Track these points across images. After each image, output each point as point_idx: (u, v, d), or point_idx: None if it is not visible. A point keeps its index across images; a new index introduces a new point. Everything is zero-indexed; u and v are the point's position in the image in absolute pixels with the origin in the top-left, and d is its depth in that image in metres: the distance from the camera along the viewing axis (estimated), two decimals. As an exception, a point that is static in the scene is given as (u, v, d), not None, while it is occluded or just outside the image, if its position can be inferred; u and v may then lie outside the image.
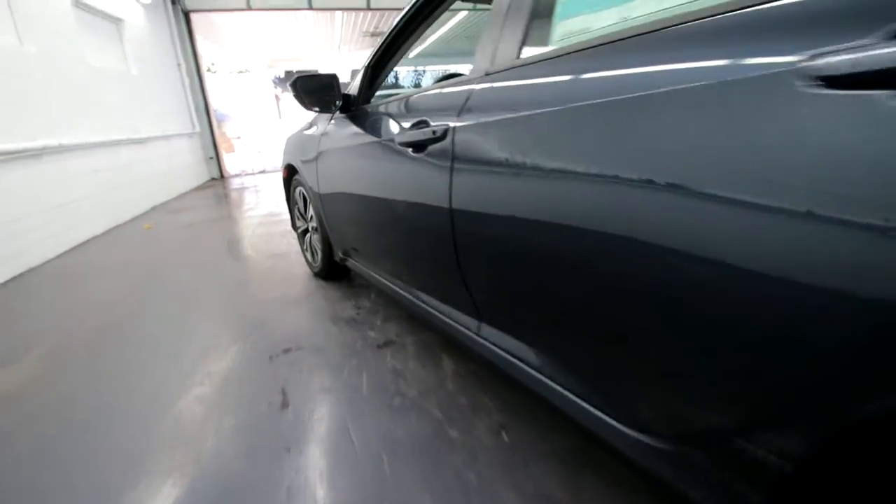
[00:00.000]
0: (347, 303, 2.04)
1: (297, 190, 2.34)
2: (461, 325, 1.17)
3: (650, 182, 0.57)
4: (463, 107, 0.96)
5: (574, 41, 0.80)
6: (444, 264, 1.11)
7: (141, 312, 2.10)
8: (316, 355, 1.60)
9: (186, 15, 6.45)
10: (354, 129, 1.57)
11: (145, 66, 5.26)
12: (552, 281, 0.80)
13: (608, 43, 0.70)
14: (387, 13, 8.12)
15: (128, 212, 4.33)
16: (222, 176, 7.01)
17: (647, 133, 0.58)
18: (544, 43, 0.94)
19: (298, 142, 2.19)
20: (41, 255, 3.06)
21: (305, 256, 2.50)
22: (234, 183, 6.55)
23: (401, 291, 1.46)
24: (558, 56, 0.79)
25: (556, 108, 0.74)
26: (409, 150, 1.15)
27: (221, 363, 1.58)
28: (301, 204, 2.35)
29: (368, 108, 1.55)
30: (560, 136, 0.73)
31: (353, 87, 1.66)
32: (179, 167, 5.82)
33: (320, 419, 1.26)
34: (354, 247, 1.80)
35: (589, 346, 0.80)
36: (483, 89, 0.94)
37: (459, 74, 1.72)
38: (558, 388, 0.89)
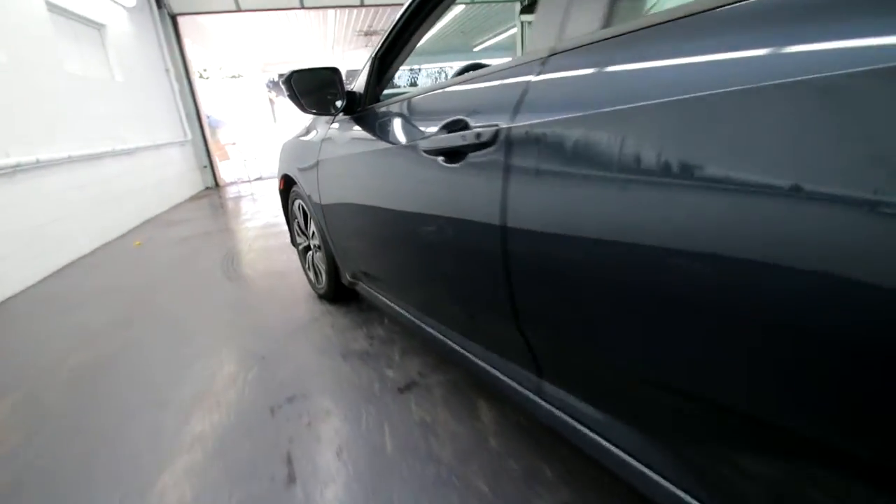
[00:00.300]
0: (358, 331, 1.79)
1: (296, 203, 2.09)
2: (513, 379, 0.92)
3: (835, 199, 0.37)
4: (520, 102, 0.71)
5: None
6: (489, 301, 0.87)
7: (127, 347, 1.85)
8: (325, 404, 1.35)
9: (173, 18, 6.19)
10: (362, 133, 1.32)
11: (131, 72, 5.00)
12: (661, 331, 0.55)
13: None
14: (381, 10, 7.86)
15: (117, 228, 4.07)
16: (217, 185, 6.75)
17: (828, 134, 0.38)
18: (641, 7, 0.69)
19: (295, 149, 1.94)
20: (21, 282, 2.81)
21: (308, 276, 2.25)
22: (230, 191, 6.29)
23: (427, 329, 1.20)
24: (667, 22, 0.54)
25: (666, 100, 0.49)
26: (439, 158, 0.90)
27: (215, 416, 1.33)
28: (301, 218, 2.10)
29: (378, 108, 1.29)
30: (675, 135, 0.49)
31: (359, 84, 1.40)
32: (171, 177, 5.56)
33: (335, 499, 1.01)
34: (366, 271, 1.54)
35: (724, 432, 0.56)
36: (549, 79, 0.69)
37: (483, 65, 1.48)
38: (663, 482, 0.65)
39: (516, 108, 0.71)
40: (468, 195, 0.82)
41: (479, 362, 1.00)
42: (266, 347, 1.73)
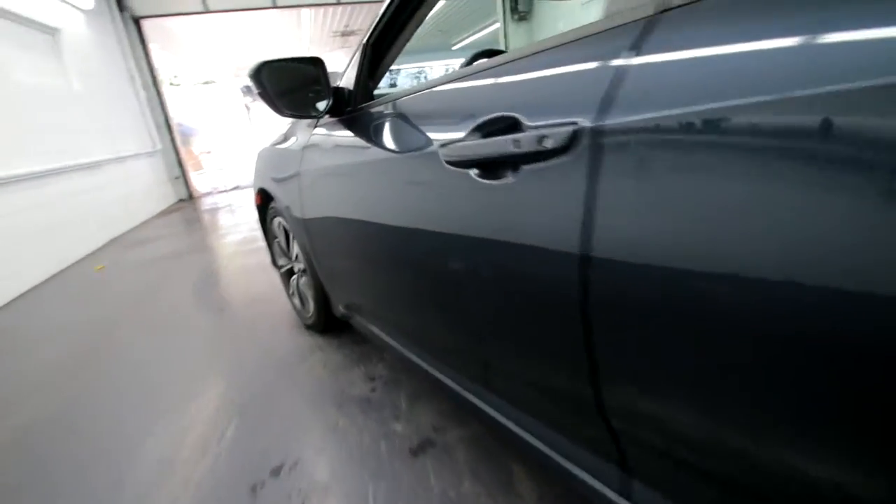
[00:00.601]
0: (355, 370, 1.53)
1: (276, 220, 1.82)
2: (583, 467, 0.67)
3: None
4: (612, 90, 0.46)
5: None
6: (552, 361, 0.62)
7: (78, 404, 1.55)
8: (321, 475, 1.09)
9: (137, 22, 5.81)
10: (354, 139, 1.06)
11: (91, 80, 4.63)
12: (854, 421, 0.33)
13: None
14: (358, 8, 7.57)
15: (77, 251, 3.71)
16: (191, 196, 6.37)
17: None
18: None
19: (272, 159, 1.67)
20: (-38, 320, 2.46)
21: (293, 303, 1.97)
22: (206, 203, 5.93)
23: (452, 386, 0.94)
24: None
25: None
26: (471, 170, 0.65)
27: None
28: (282, 237, 1.83)
29: (373, 107, 1.04)
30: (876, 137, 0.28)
31: (347, 80, 1.15)
32: (140, 191, 5.19)
33: None
34: (364, 304, 1.28)
35: None
36: (657, 54, 0.44)
37: (500, 51, 1.23)
38: None
39: (606, 100, 0.47)
40: (523, 217, 0.57)
41: (531, 439, 0.75)
42: (246, 396, 1.45)
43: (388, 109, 0.97)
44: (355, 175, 1.04)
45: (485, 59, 0.73)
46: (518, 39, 6.94)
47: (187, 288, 2.62)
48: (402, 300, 1.06)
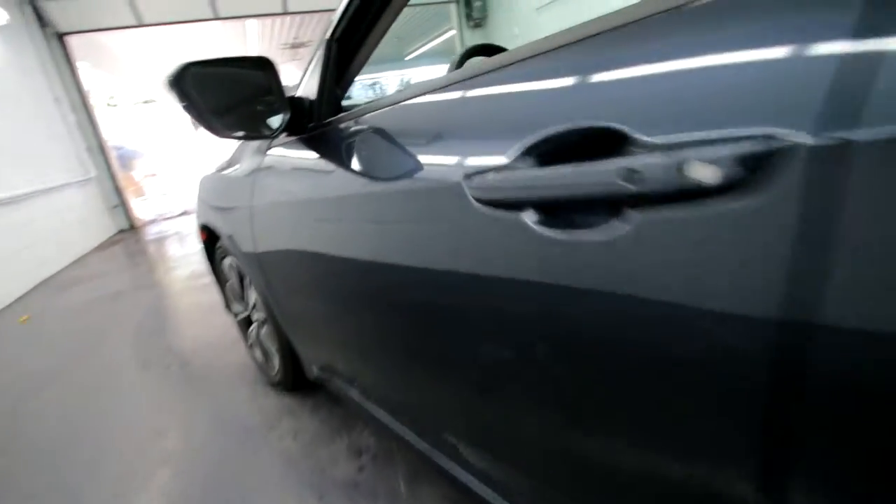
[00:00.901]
0: (337, 443, 1.25)
1: (227, 260, 1.52)
2: None
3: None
4: (847, 82, 0.24)
5: None
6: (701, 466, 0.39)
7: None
8: None
9: (61, 38, 5.27)
10: (323, 162, 0.81)
11: (4, 103, 4.11)
12: None
13: None
14: (308, 18, 7.25)
15: (-3, 298, 3.22)
16: (132, 226, 5.82)
17: None
18: None
19: (217, 189, 1.38)
20: None
21: (253, 356, 1.66)
22: (150, 232, 5.42)
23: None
24: None
25: None
26: (525, 214, 0.41)
27: None
28: (235, 280, 1.53)
29: (344, 121, 0.79)
30: None
31: (307, 88, 0.89)
32: (72, 224, 4.66)
33: None
34: (344, 367, 1.02)
35: None
36: None
37: (499, 48, 1.01)
38: None
39: (839, 96, 0.24)
40: (636, 290, 0.34)
41: None
42: (197, 489, 1.15)
43: (367, 124, 0.72)
44: (325, 210, 0.79)
45: (501, 55, 0.49)
46: (475, 46, 6.83)
47: (127, 336, 2.25)
48: (399, 369, 0.81)
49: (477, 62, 0.58)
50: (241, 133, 0.81)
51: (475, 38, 6.84)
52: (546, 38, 0.45)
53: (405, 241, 0.60)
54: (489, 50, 1.10)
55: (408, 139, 0.62)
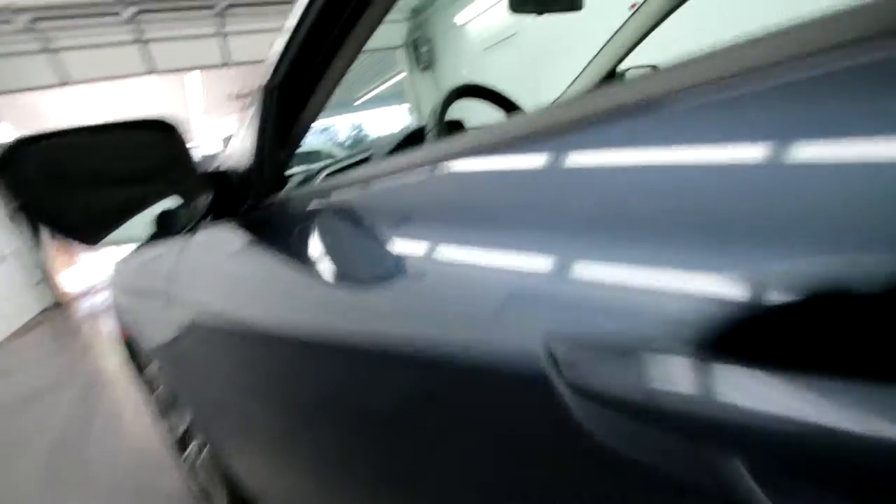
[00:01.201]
0: None
1: (153, 365, 1.19)
2: None
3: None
4: None
5: None
6: None
7: None
8: None
9: (-26, 100, 4.79)
10: (271, 262, 0.53)
11: None
12: None
13: None
14: (255, 69, 7.03)
15: None
16: (58, 304, 5.19)
17: None
18: None
19: (134, 281, 1.07)
20: None
21: (190, 489, 1.30)
22: (82, 308, 4.85)
23: None
24: None
25: None
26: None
27: None
28: (164, 389, 1.20)
29: (295, 202, 0.53)
30: None
31: (238, 156, 0.63)
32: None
33: None
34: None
35: None
36: None
37: (488, 89, 0.82)
38: None
39: None
40: None
41: None
42: None
43: (332, 207, 0.46)
44: (272, 335, 0.52)
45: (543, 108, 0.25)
46: (426, 89, 6.84)
47: (43, 452, 1.81)
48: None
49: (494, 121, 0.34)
50: (130, 235, 0.53)
51: (426, 80, 6.83)
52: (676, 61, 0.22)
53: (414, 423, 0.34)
54: (478, 91, 0.87)
55: (411, 235, 0.37)
